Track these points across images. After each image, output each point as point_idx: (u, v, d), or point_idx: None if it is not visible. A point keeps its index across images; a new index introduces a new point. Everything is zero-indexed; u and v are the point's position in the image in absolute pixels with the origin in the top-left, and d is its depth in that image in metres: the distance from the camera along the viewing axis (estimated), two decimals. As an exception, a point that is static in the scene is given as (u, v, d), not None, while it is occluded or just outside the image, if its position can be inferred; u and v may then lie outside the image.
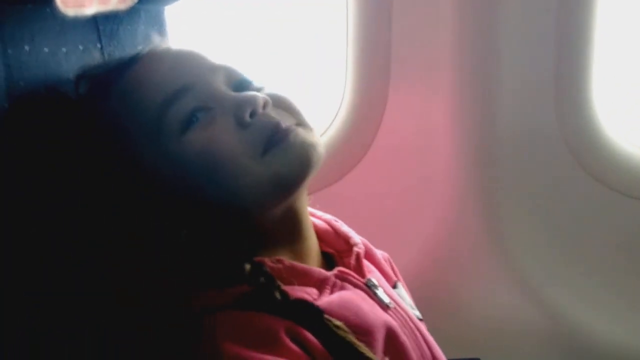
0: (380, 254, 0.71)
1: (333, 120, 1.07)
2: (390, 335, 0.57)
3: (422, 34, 1.02)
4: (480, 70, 1.04)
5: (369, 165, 1.07)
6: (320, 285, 0.57)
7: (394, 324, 0.58)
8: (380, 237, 1.08)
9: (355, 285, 0.59)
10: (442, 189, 1.08)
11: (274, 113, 0.57)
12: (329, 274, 0.59)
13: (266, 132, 0.55)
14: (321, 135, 1.08)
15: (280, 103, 0.58)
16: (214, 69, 0.58)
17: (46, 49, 0.57)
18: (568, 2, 1.00)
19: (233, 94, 0.57)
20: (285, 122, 0.56)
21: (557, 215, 1.08)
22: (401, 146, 1.07)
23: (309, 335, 0.52)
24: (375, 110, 1.05)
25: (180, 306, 0.54)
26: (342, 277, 0.59)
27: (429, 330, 0.66)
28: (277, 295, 0.53)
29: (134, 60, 0.59)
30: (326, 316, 0.53)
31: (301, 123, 0.58)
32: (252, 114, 0.55)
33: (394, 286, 0.67)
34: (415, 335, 0.60)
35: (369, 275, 0.62)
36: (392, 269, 0.72)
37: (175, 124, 0.55)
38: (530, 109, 1.05)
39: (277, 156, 0.54)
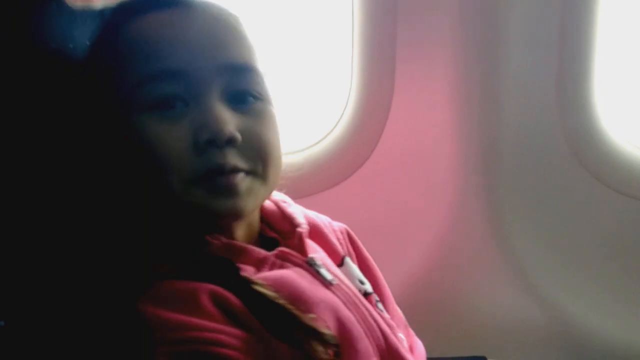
0: (337, 226, 0.71)
1: (338, 122, 1.07)
2: (331, 310, 0.57)
3: (427, 36, 1.02)
4: (483, 70, 1.03)
5: (373, 166, 1.07)
6: (259, 263, 0.57)
7: (336, 299, 0.59)
8: (385, 238, 1.08)
9: (296, 264, 0.60)
10: (445, 189, 1.08)
11: (233, 152, 0.55)
12: (268, 253, 0.59)
13: (208, 169, 0.54)
14: (325, 137, 1.08)
15: (251, 143, 0.56)
16: (223, 68, 0.56)
17: (54, 45, 0.56)
18: (571, 2, 1.00)
19: (214, 107, 0.54)
20: (237, 164, 0.55)
21: (560, 215, 1.08)
22: (405, 147, 1.07)
23: (233, 299, 0.52)
24: (380, 113, 1.05)
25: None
26: (282, 257, 0.59)
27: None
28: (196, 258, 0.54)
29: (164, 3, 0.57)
30: (243, 273, 0.54)
31: (256, 172, 0.57)
32: (211, 142, 0.53)
33: (342, 261, 0.67)
34: (360, 310, 0.61)
35: (311, 254, 0.61)
36: (352, 243, 0.72)
37: (149, 98, 0.54)
38: (533, 110, 1.05)
39: (199, 195, 0.54)
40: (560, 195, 1.08)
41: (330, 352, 0.53)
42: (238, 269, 0.55)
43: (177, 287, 0.53)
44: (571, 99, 1.04)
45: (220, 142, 0.53)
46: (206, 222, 0.57)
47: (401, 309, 0.84)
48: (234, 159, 0.54)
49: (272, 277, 0.56)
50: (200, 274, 0.54)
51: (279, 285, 0.55)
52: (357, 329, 0.58)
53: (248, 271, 0.56)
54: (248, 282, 0.54)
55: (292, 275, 0.58)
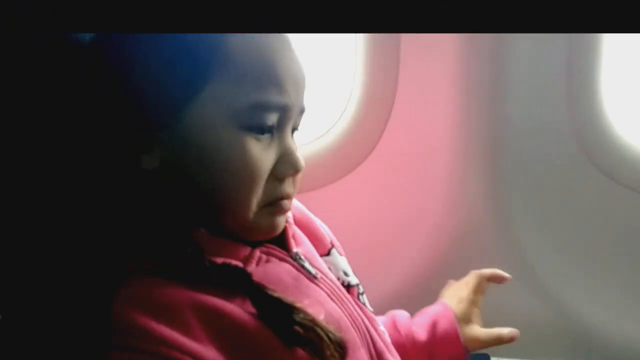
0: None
1: (340, 117, 1.07)
2: (319, 303, 0.58)
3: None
4: (490, 66, 1.03)
5: (375, 162, 1.06)
6: (245, 260, 0.58)
7: (322, 292, 0.61)
8: (387, 233, 1.08)
9: (281, 259, 0.61)
10: (451, 187, 1.07)
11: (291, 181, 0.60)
12: (254, 249, 0.60)
13: (280, 196, 0.58)
14: (327, 132, 1.07)
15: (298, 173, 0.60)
16: (302, 109, 0.60)
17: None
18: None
19: (293, 144, 0.59)
20: (291, 192, 0.60)
21: (568, 212, 1.07)
22: (409, 144, 1.07)
23: (227, 308, 0.52)
24: (383, 107, 1.04)
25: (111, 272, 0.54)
26: (267, 252, 0.60)
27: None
28: (206, 262, 0.54)
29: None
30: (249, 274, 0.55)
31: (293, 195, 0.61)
32: (288, 176, 0.59)
33: (329, 252, 0.68)
34: (344, 301, 0.62)
35: (295, 248, 0.63)
36: None
37: (251, 120, 0.55)
38: (540, 105, 1.04)
39: (265, 215, 0.58)
40: (568, 191, 1.07)
41: (336, 354, 0.54)
42: (250, 276, 0.55)
43: (155, 289, 0.52)
44: (579, 95, 1.03)
45: (295, 176, 0.59)
46: (248, 236, 0.59)
47: (402, 304, 0.84)
48: (291, 187, 0.60)
49: (259, 272, 0.57)
50: (207, 279, 0.54)
51: (266, 281, 0.56)
52: (344, 321, 0.60)
53: (237, 265, 0.57)
54: (261, 288, 0.55)
55: (278, 270, 0.59)
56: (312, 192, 0.98)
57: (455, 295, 0.82)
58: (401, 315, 0.81)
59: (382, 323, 0.69)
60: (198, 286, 0.53)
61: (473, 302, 0.81)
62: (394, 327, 0.78)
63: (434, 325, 0.78)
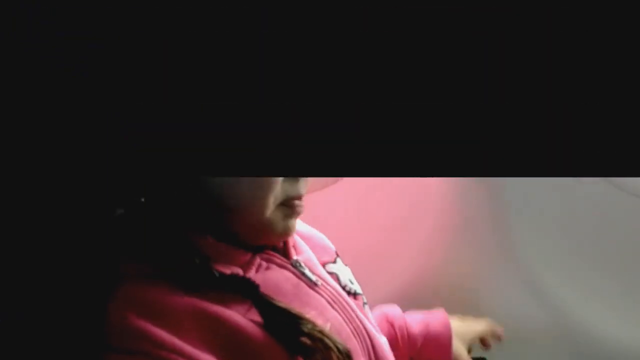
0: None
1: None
2: (318, 311, 0.59)
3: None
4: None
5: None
6: (245, 265, 0.58)
7: (322, 300, 0.61)
8: (384, 238, 1.07)
9: (281, 266, 0.61)
10: (449, 190, 1.07)
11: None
12: (254, 255, 0.60)
13: (294, 195, 0.60)
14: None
15: None
16: None
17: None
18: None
19: None
20: (303, 191, 0.61)
21: (567, 215, 1.07)
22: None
23: (227, 314, 0.52)
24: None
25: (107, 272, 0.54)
26: (267, 259, 0.60)
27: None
28: (216, 273, 0.54)
29: None
30: (262, 291, 0.56)
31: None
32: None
33: (334, 260, 0.69)
34: (346, 309, 0.62)
35: (296, 256, 0.63)
36: None
37: None
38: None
39: (279, 215, 0.59)
40: (567, 194, 1.07)
41: None
42: (258, 287, 0.55)
43: (155, 293, 0.52)
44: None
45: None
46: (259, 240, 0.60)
47: (400, 306, 0.84)
48: (305, 187, 0.61)
49: (257, 279, 0.57)
50: (212, 286, 0.54)
51: (265, 288, 0.56)
52: (345, 329, 0.60)
53: (236, 272, 0.57)
54: (269, 299, 0.55)
55: (278, 277, 0.59)
56: (311, 195, 0.98)
57: (462, 322, 0.85)
58: (393, 308, 0.81)
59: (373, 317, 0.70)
60: (197, 291, 0.53)
61: (473, 338, 0.85)
62: (386, 320, 0.78)
63: (427, 324, 0.79)
